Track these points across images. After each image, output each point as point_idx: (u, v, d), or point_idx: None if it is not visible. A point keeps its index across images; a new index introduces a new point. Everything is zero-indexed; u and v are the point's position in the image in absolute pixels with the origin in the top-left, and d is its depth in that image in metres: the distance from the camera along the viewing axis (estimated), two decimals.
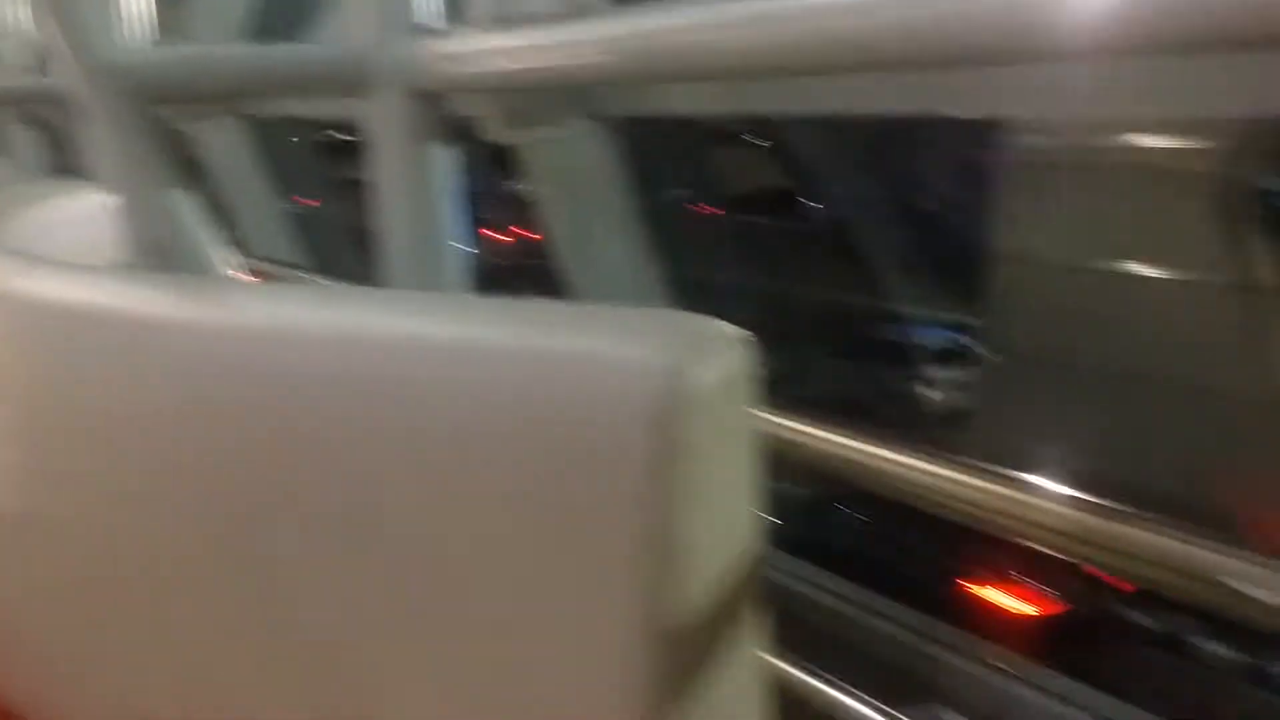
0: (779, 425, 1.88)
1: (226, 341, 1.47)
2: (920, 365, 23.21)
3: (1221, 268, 14.28)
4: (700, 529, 1.35)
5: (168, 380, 1.48)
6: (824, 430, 1.85)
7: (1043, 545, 1.59)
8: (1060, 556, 1.59)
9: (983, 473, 1.62)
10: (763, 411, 1.51)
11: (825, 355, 25.61)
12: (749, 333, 1.40)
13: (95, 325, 1.59)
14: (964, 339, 23.13)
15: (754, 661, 1.44)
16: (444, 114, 2.96)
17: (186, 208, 2.54)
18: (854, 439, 1.74)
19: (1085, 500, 1.48)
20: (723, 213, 32.66)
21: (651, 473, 1.32)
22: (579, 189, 5.74)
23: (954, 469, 1.61)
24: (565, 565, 1.37)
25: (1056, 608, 11.95)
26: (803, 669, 2.17)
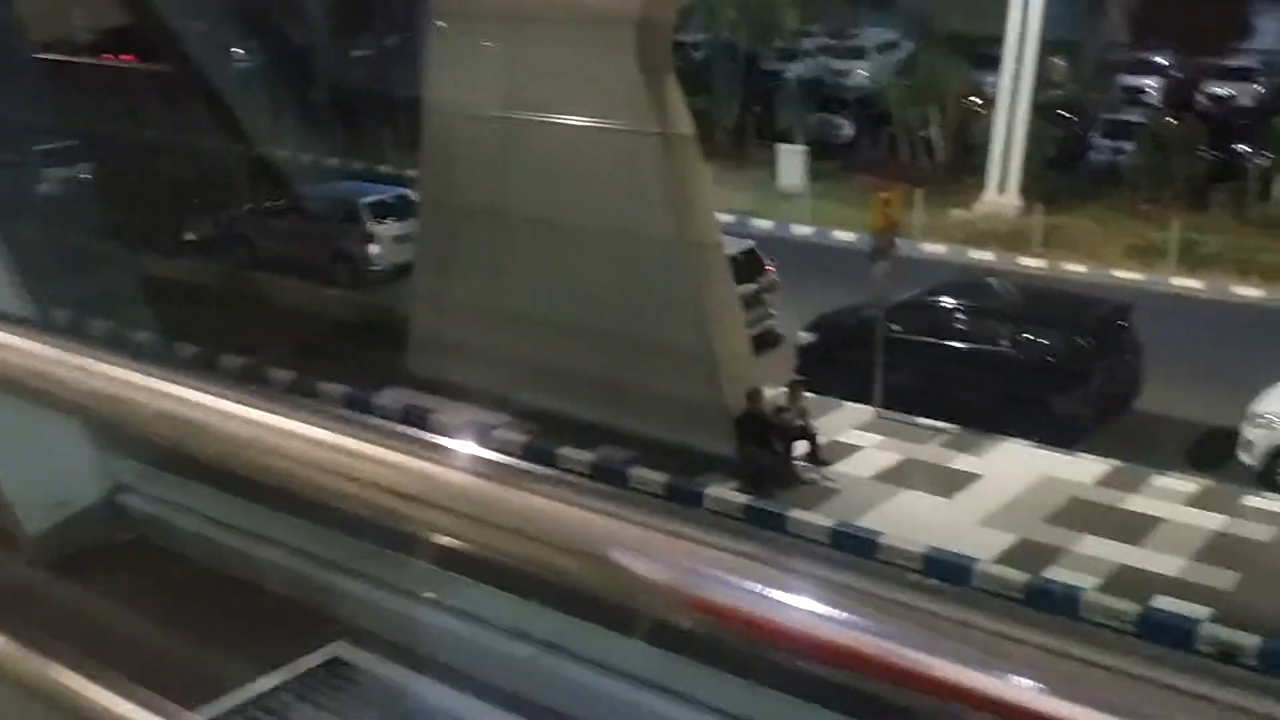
0: None
1: None
2: (363, 221, 22.66)
3: (643, 117, 14.92)
4: None
5: None
6: None
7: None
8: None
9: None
10: None
11: (260, 216, 24.23)
12: None
13: None
14: (404, 193, 22.86)
15: None
16: None
17: None
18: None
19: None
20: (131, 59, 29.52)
21: None
22: None
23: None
24: None
25: None
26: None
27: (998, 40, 26.97)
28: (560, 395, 15.88)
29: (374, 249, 21.91)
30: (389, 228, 21.92)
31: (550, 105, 15.39)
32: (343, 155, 30.06)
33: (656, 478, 14.79)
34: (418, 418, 16.40)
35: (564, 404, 15.84)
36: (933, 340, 16.71)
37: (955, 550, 12.90)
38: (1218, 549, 12.89)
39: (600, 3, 14.64)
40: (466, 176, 16.49)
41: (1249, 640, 11.21)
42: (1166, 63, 36.88)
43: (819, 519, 13.73)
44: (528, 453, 15.70)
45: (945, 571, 12.73)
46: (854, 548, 13.32)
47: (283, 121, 28.73)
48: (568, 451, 15.46)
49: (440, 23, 16.58)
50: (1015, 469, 14.80)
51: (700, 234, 15.44)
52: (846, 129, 32.22)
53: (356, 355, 18.40)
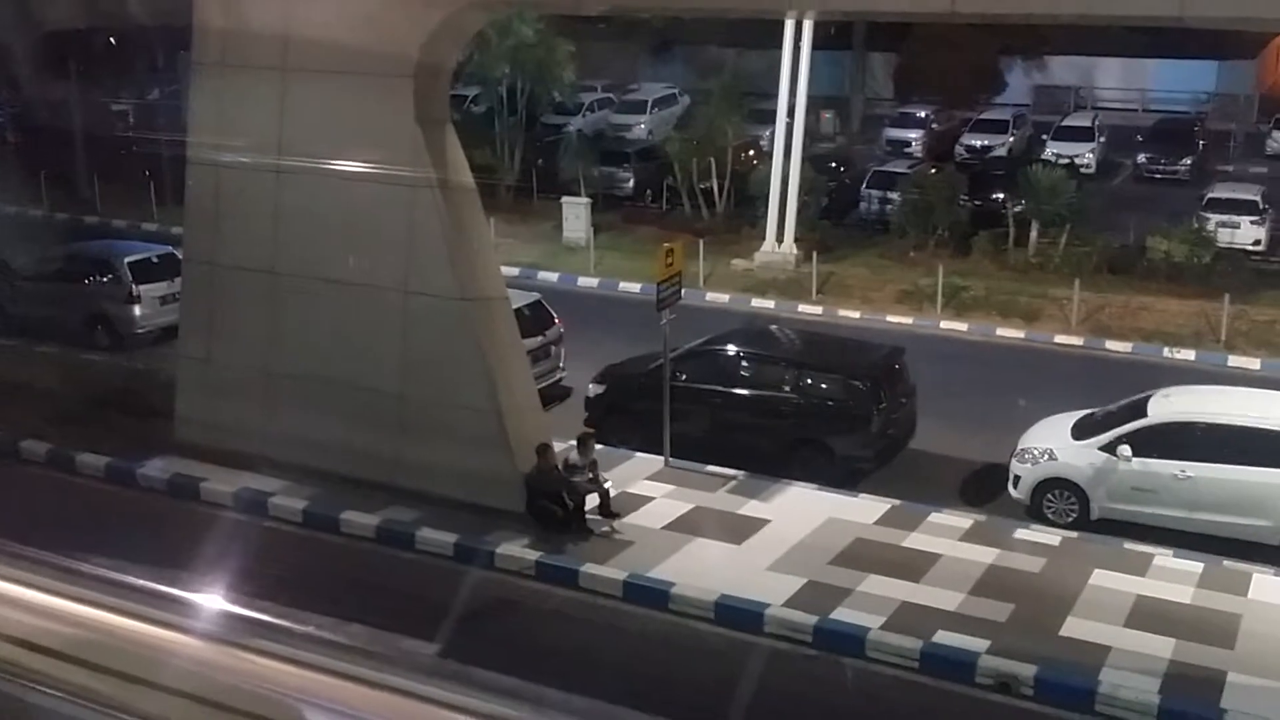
0: None
1: None
2: (125, 281, 21.51)
3: (421, 169, 14.63)
4: None
5: None
6: None
7: None
8: None
9: None
10: None
11: (9, 278, 22.70)
12: None
13: None
14: (170, 251, 21.84)
15: None
16: None
17: None
18: None
19: None
20: None
21: None
22: None
23: None
24: None
25: None
26: None
27: (771, 95, 27.85)
28: (342, 458, 15.32)
29: (138, 310, 20.80)
30: (154, 288, 20.86)
31: (323, 157, 14.95)
32: (103, 212, 28.55)
33: (445, 538, 14.39)
34: (188, 488, 15.50)
35: (347, 467, 15.29)
36: (718, 388, 16.91)
37: (746, 596, 12.97)
38: (992, 582, 13.38)
39: (374, 50, 14.33)
40: (234, 232, 15.83)
41: (1025, 670, 11.62)
42: (927, 116, 38.92)
43: (611, 572, 13.59)
44: (307, 519, 15.06)
45: (737, 618, 12.78)
46: (647, 599, 13.23)
47: (35, 177, 27.10)
48: (350, 516, 14.88)
49: (203, 73, 15.91)
50: (801, 512, 15.04)
51: (484, 288, 15.21)
52: (629, 182, 32.65)
53: (120, 424, 17.32)
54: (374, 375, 15.27)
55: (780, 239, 27.10)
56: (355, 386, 15.33)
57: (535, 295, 19.80)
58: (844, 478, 16.03)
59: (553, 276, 26.42)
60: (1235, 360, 21.21)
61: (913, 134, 37.87)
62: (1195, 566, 13.66)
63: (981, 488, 16.24)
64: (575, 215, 28.80)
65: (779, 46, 26.71)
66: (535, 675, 12.43)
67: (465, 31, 15.25)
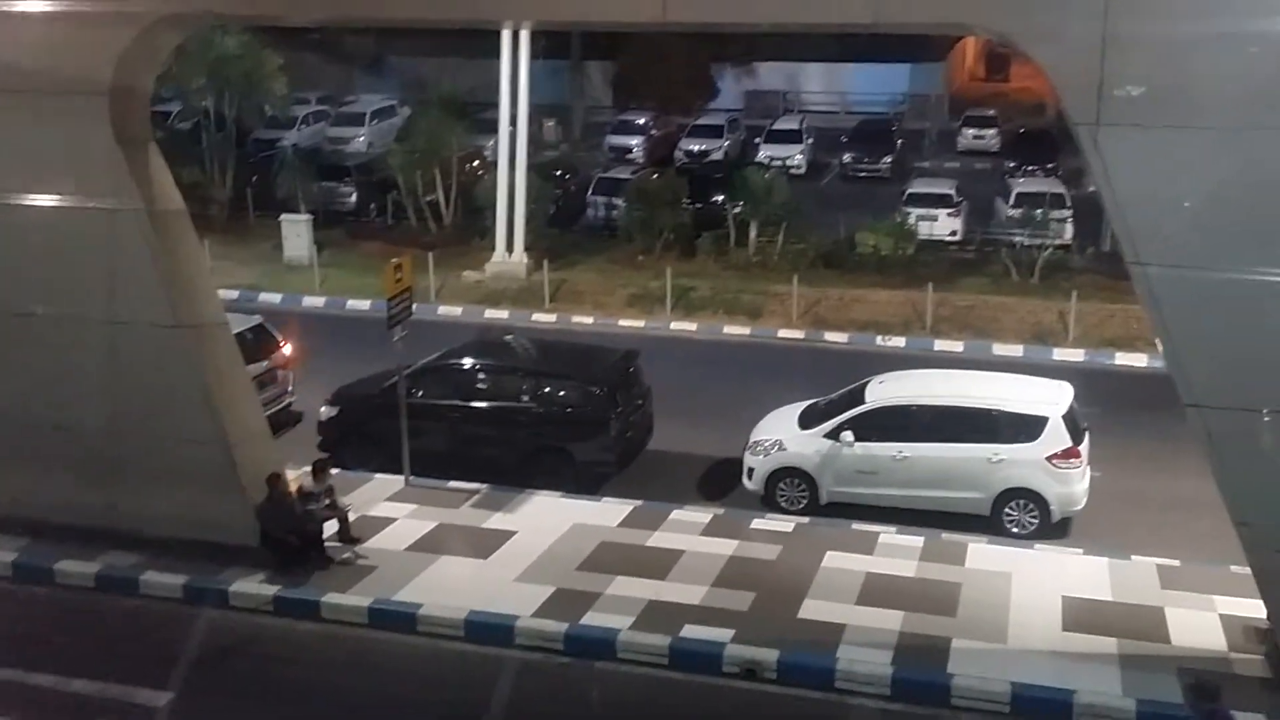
0: None
1: None
2: None
3: (124, 193, 13.79)
4: None
5: None
6: None
7: None
8: None
9: None
10: None
11: None
12: None
13: None
14: None
15: None
16: None
17: None
18: None
19: None
20: None
21: None
22: None
23: None
24: None
25: None
26: None
27: (492, 105, 27.79)
28: (55, 506, 14.27)
29: None
30: None
31: (16, 184, 13.89)
32: None
33: (173, 580, 13.62)
34: None
35: (61, 515, 14.26)
36: (456, 402, 16.71)
37: (495, 610, 12.87)
38: (733, 573, 13.77)
39: (62, 70, 13.40)
40: None
41: (768, 655, 12.02)
42: (646, 122, 39.81)
43: (355, 600, 13.19)
44: (18, 572, 13.95)
45: (487, 633, 12.66)
46: (394, 624, 12.92)
47: None
48: (66, 565, 13.88)
49: None
50: (546, 521, 15.05)
51: (199, 313, 14.46)
52: (351, 196, 31.88)
53: None
54: (83, 413, 14.29)
55: (510, 248, 27.10)
56: (62, 427, 14.31)
57: (257, 318, 19.06)
58: (586, 483, 16.16)
59: (276, 298, 25.51)
60: (941, 344, 22.69)
61: (633, 140, 38.68)
62: (917, 541, 14.51)
63: (718, 482, 16.71)
64: (296, 233, 27.89)
65: (497, 56, 26.71)
66: (279, 715, 11.92)
67: (161, 48, 14.44)
